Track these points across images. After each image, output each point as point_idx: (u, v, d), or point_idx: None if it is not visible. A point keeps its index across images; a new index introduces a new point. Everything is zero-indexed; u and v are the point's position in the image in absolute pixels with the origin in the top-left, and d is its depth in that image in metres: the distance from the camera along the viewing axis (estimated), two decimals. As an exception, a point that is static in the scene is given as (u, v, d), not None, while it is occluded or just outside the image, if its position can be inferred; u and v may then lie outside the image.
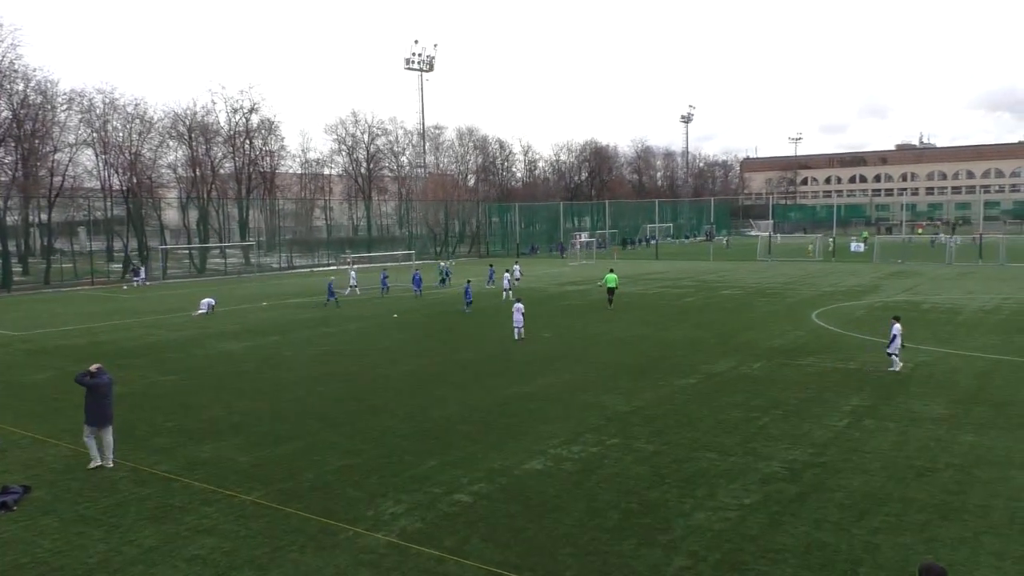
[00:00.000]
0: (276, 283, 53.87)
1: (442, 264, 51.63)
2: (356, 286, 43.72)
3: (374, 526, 10.80)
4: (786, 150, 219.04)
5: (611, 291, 35.51)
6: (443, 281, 47.75)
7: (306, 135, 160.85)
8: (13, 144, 57.15)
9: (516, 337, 26.55)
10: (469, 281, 37.26)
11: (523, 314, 26.97)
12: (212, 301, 36.67)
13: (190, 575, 9.47)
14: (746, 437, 14.67)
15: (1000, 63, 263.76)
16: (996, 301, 35.16)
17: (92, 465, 13.49)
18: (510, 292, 38.88)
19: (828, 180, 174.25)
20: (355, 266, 48.69)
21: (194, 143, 70.46)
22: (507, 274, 41.21)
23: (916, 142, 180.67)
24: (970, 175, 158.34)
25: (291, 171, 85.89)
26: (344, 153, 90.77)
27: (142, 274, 55.73)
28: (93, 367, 13.81)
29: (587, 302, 37.78)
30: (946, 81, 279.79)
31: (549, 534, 10.45)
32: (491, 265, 49.03)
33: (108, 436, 13.60)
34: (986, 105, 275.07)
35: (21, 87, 56.26)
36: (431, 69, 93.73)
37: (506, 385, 19.52)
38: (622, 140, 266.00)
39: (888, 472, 12.63)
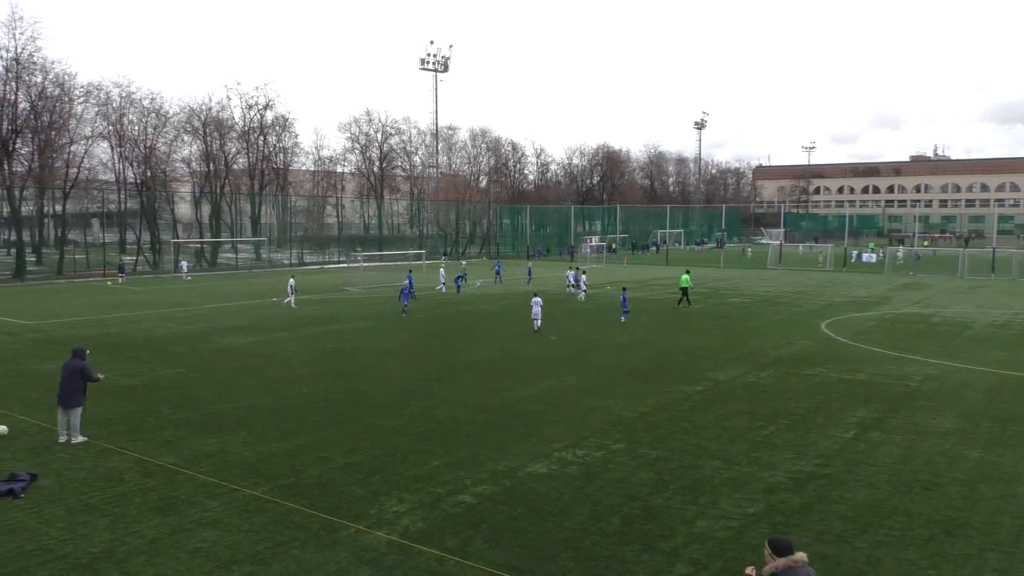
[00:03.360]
0: (286, 279, 53.92)
1: (464, 264, 50.80)
2: (445, 283, 43.98)
3: (376, 524, 10.83)
4: (798, 159, 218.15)
5: (684, 291, 36.95)
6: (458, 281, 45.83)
7: (320, 132, 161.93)
8: (30, 135, 57.66)
9: (535, 328, 28.41)
10: (625, 288, 35.61)
11: (541, 307, 28.85)
12: (293, 282, 37.66)
13: (192, 567, 9.52)
14: (751, 446, 14.62)
15: (1009, 75, 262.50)
16: (1007, 316, 34.92)
17: (61, 440, 14.48)
18: (584, 293, 39.98)
19: (841, 190, 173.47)
20: (443, 263, 50.03)
21: (208, 138, 70.82)
22: (583, 276, 41.76)
23: (930, 154, 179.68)
24: (984, 188, 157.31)
25: (304, 168, 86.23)
26: (357, 151, 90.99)
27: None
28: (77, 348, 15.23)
29: (594, 306, 37.74)
30: (956, 93, 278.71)
31: (551, 537, 10.46)
32: (576, 268, 46.41)
33: (73, 418, 14.54)
34: (996, 118, 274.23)
35: (39, 79, 56.83)
36: (446, 70, 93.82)
37: (510, 387, 19.53)
38: (635, 145, 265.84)
39: (893, 485, 12.57)
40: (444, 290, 43.63)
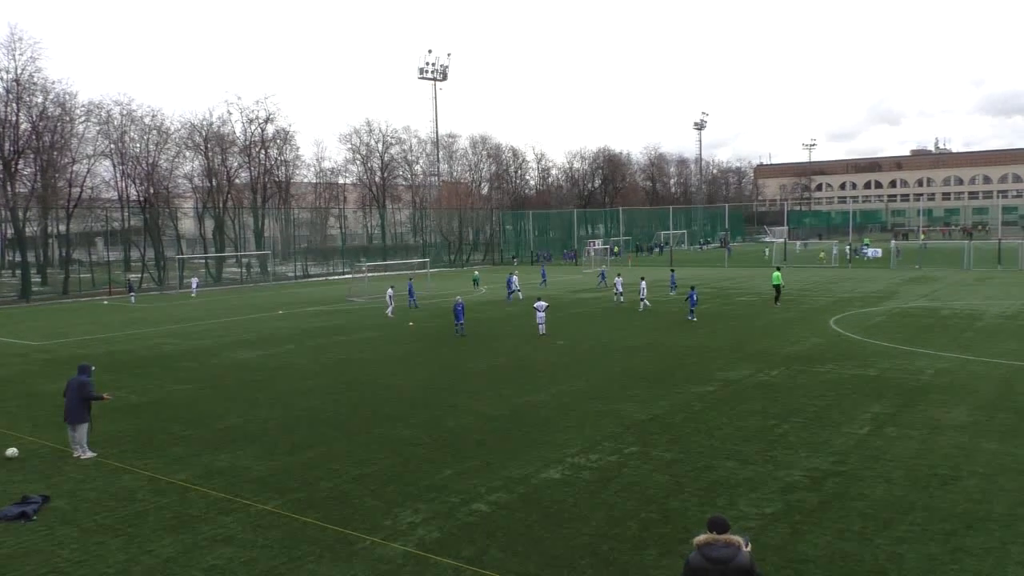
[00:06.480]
0: (291, 292, 54.08)
1: (511, 277, 44.83)
2: (519, 290, 43.52)
3: (391, 536, 10.74)
4: (799, 157, 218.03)
5: (778, 289, 37.44)
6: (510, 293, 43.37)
7: (321, 144, 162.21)
8: (32, 156, 57.88)
9: (540, 333, 28.81)
10: (694, 287, 34.28)
11: (544, 311, 29.36)
12: (391, 291, 37.59)
13: (208, 585, 9.44)
14: (765, 445, 14.51)
15: (1004, 68, 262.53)
16: (1016, 307, 34.72)
17: (75, 454, 14.76)
18: (621, 296, 39.31)
19: (843, 186, 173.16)
20: (516, 269, 51.61)
21: (210, 153, 70.98)
22: (643, 282, 38.08)
23: (931, 147, 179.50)
24: (987, 180, 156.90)
25: (306, 180, 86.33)
26: (358, 162, 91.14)
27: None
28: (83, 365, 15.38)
29: (600, 309, 37.65)
30: (952, 87, 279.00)
31: (568, 544, 10.36)
32: (673, 270, 46.03)
33: (75, 432, 14.72)
34: (992, 110, 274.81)
35: (40, 99, 57.10)
36: (444, 78, 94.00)
37: (521, 393, 19.44)
38: (635, 147, 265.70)
39: (911, 480, 12.44)
40: (522, 296, 42.84)
